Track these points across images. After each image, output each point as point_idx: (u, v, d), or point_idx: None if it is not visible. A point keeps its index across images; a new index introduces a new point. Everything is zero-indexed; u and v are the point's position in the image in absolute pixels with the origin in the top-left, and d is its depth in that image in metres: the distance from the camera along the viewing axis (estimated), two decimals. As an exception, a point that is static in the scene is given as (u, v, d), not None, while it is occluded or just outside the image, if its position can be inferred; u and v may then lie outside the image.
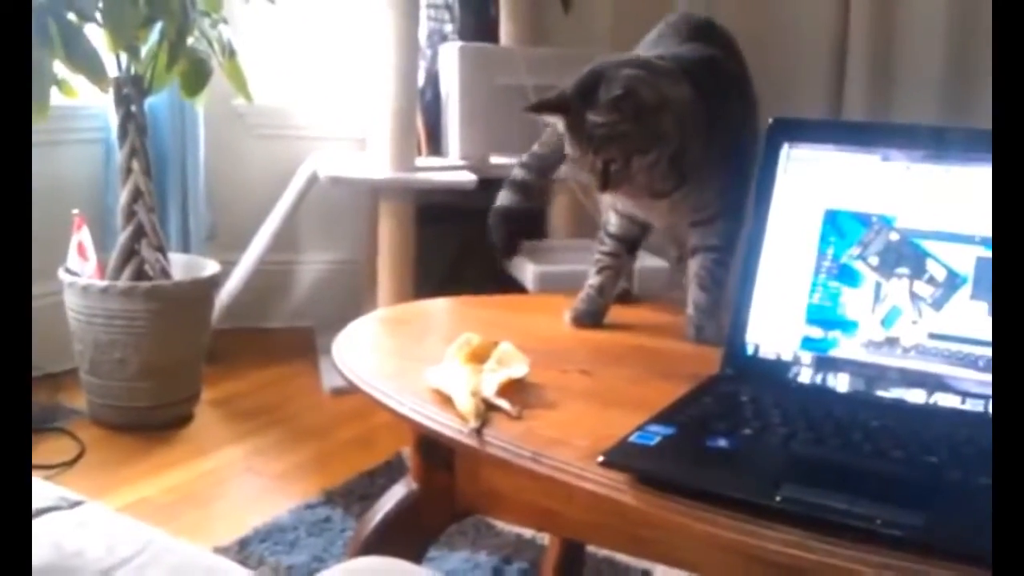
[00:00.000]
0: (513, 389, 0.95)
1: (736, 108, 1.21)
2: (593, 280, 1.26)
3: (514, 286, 2.53)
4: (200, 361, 2.39)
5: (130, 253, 2.28)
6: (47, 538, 0.62)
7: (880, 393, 0.93)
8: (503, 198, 1.38)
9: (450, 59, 2.74)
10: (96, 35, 2.15)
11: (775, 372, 0.98)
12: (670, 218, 1.24)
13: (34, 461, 1.94)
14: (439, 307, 1.40)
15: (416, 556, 1.09)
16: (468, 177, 2.57)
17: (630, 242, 1.28)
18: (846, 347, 0.96)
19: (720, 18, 1.35)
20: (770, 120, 1.07)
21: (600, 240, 1.29)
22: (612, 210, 1.27)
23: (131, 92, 2.25)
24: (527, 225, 1.38)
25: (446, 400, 0.94)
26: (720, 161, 1.18)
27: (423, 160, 2.70)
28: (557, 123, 1.15)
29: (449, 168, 2.66)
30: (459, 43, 2.77)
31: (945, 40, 2.58)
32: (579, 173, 1.16)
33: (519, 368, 0.98)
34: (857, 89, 2.69)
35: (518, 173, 1.39)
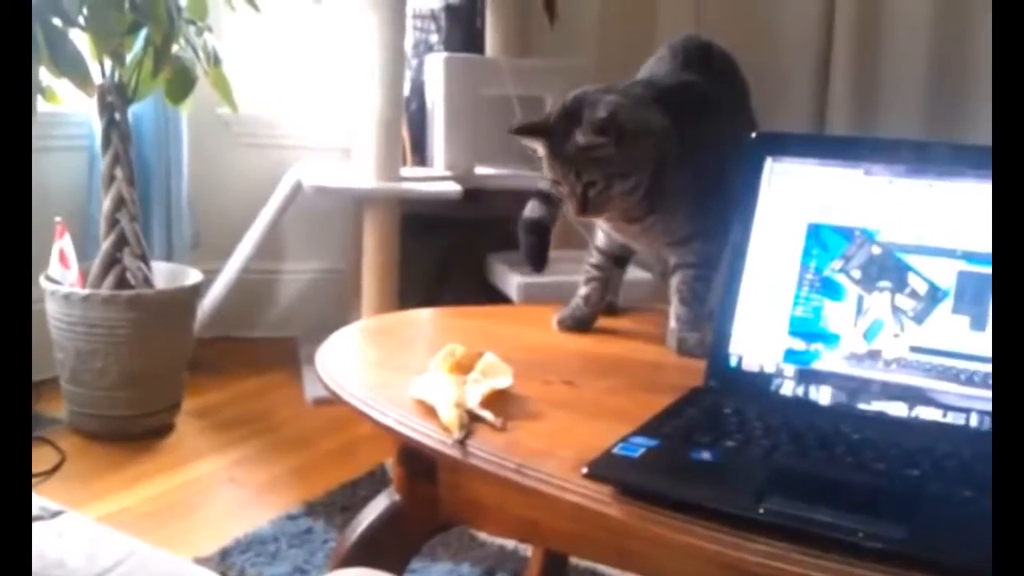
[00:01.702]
0: (497, 400, 0.95)
1: (716, 133, 1.20)
2: (581, 290, 1.30)
3: (499, 297, 2.54)
4: (182, 370, 2.38)
5: (112, 261, 2.27)
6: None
7: (862, 406, 0.94)
8: (531, 209, 1.32)
9: (436, 69, 2.74)
10: (80, 41, 2.14)
11: (758, 384, 0.99)
12: (644, 241, 1.25)
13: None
14: (423, 317, 1.40)
15: (399, 567, 1.08)
16: (453, 188, 2.57)
17: (617, 256, 1.30)
18: (829, 360, 0.96)
19: (704, 32, 1.36)
20: (753, 134, 1.08)
21: (589, 252, 1.31)
22: (599, 226, 1.28)
23: (115, 99, 2.24)
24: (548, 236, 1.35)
25: (429, 411, 0.94)
26: (692, 188, 1.18)
27: (408, 170, 2.70)
28: (538, 148, 1.15)
29: (434, 178, 2.66)
30: (445, 54, 2.77)
31: (929, 53, 2.60)
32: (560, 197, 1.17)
33: (503, 379, 0.98)
34: (840, 103, 2.71)
35: (545, 185, 1.33)
